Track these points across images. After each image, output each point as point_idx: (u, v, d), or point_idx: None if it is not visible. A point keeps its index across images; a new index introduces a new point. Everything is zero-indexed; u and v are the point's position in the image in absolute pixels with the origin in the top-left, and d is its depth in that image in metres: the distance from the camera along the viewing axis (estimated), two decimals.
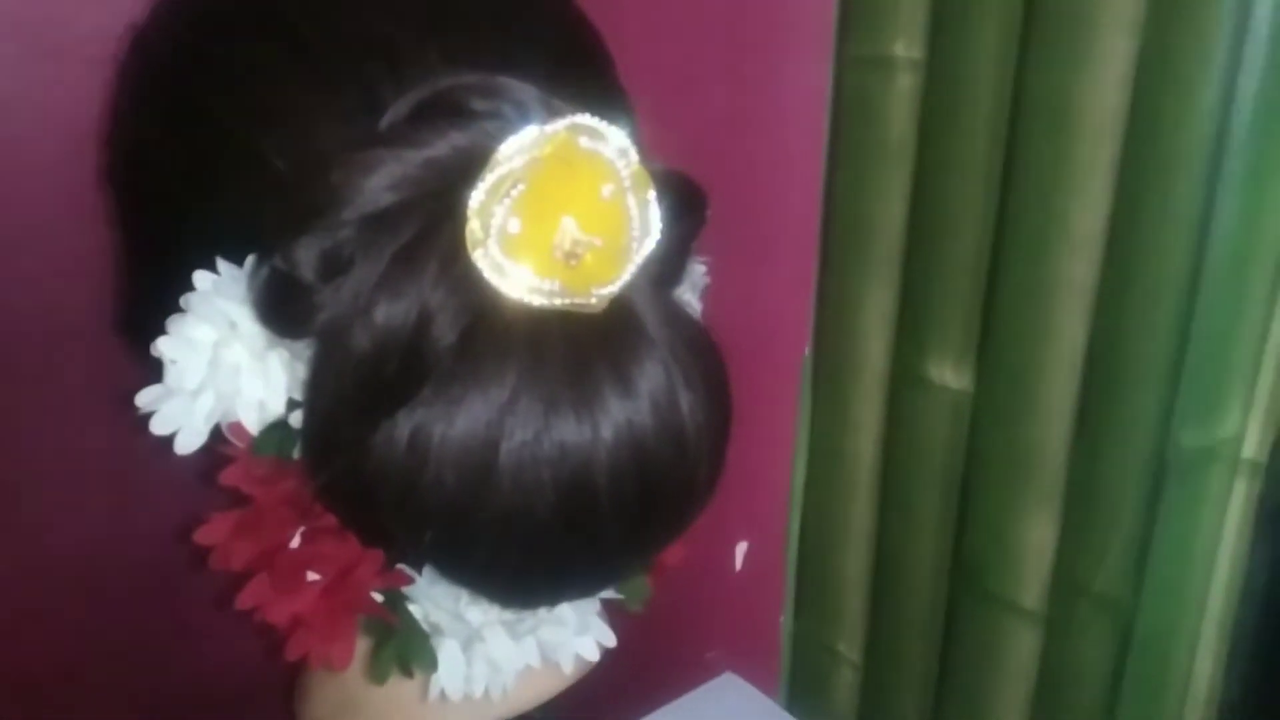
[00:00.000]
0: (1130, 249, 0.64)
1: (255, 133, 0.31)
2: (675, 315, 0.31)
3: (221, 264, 0.31)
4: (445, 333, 0.27)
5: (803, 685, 0.91)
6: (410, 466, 0.28)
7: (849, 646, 0.88)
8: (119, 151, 0.37)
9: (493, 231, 0.27)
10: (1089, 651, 0.71)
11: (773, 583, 0.89)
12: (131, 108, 0.36)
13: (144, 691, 0.58)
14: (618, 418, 0.29)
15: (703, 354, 0.31)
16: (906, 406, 0.79)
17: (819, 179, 0.79)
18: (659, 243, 0.29)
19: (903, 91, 0.73)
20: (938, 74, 0.71)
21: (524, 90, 0.28)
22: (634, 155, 0.28)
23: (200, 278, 0.30)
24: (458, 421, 0.28)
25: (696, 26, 0.72)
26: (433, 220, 0.27)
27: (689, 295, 0.36)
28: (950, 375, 0.75)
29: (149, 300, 0.33)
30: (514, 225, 0.27)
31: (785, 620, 0.91)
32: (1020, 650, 0.75)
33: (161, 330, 0.31)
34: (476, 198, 0.27)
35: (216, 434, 0.31)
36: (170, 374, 0.30)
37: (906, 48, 0.72)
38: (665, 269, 0.31)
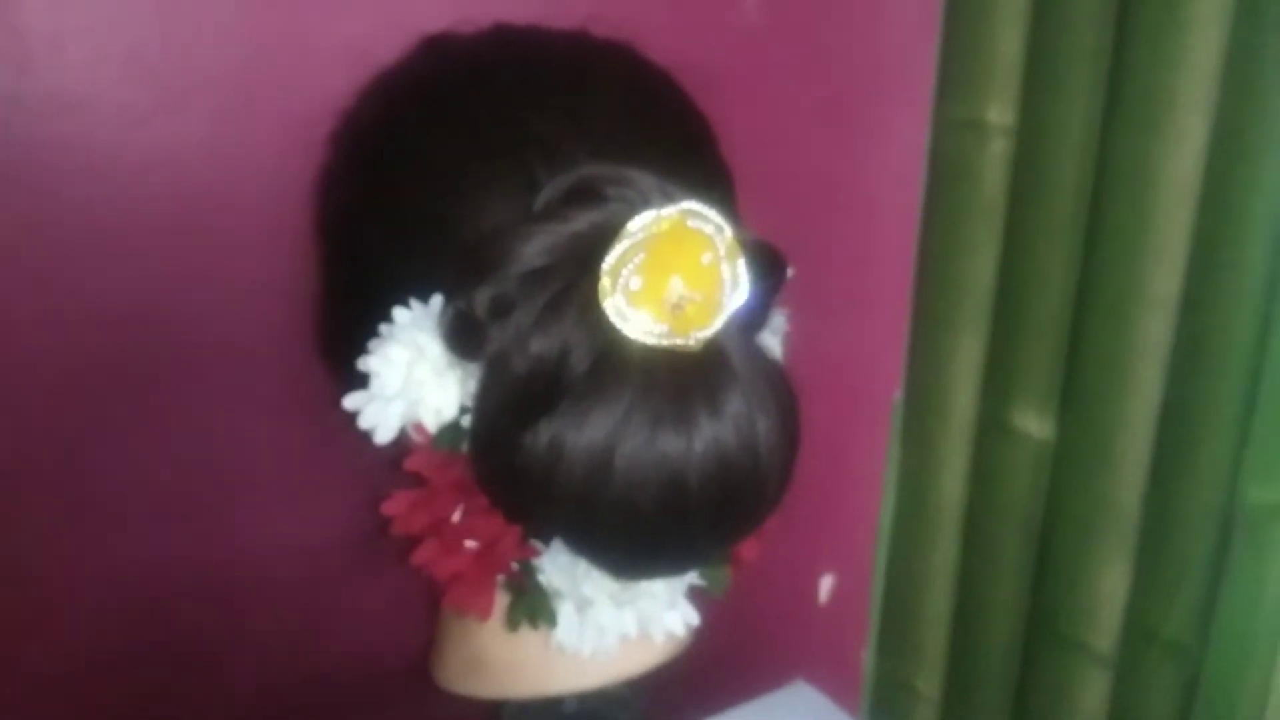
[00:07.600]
0: (1204, 311, 0.71)
1: (442, 206, 0.43)
2: (757, 356, 0.42)
3: (414, 302, 0.43)
4: (580, 362, 0.39)
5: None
6: (548, 462, 0.39)
7: (928, 684, 0.95)
8: (330, 212, 0.50)
9: (619, 287, 0.38)
10: (1157, 697, 0.78)
11: (857, 617, 0.97)
12: (342, 179, 0.49)
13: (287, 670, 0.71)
14: (707, 434, 0.39)
15: (777, 388, 0.42)
16: (992, 453, 0.86)
17: (914, 235, 0.88)
18: (746, 298, 0.40)
19: (995, 155, 0.82)
20: (1028, 140, 0.79)
21: (646, 180, 0.39)
22: (729, 232, 0.39)
23: (399, 313, 0.43)
24: (585, 430, 0.39)
25: (802, 89, 0.82)
26: (574, 278, 0.39)
27: (771, 339, 0.47)
28: (1034, 424, 0.83)
29: (349, 330, 0.45)
30: (635, 283, 0.38)
31: (868, 655, 0.98)
32: (1092, 693, 0.82)
33: (358, 353, 0.43)
34: (609, 262, 0.38)
35: (401, 433, 0.43)
36: (374, 384, 0.42)
37: (1000, 113, 0.81)
38: (751, 318, 0.41)
